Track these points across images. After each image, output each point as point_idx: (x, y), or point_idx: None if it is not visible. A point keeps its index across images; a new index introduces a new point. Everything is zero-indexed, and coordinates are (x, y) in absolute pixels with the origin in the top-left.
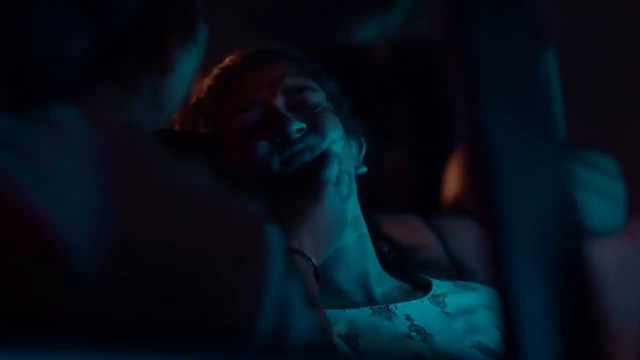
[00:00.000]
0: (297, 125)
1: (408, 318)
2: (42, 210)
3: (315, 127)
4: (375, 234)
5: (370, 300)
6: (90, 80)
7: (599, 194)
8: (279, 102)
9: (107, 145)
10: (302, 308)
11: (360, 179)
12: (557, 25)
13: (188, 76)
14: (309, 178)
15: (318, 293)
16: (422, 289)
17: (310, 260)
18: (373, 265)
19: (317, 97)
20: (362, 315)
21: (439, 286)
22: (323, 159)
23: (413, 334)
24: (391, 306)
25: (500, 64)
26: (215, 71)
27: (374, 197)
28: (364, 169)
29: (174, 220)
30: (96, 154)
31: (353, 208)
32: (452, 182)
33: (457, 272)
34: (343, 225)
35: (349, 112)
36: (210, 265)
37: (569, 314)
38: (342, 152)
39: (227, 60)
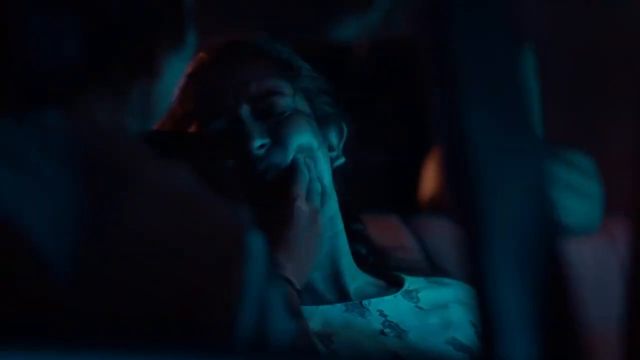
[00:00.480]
0: (258, 142)
1: (382, 314)
2: (24, 214)
3: (279, 139)
4: (355, 235)
5: (343, 296)
6: (79, 84)
7: (575, 192)
8: (244, 111)
9: (93, 148)
10: (282, 314)
11: (338, 176)
12: (535, 23)
13: (175, 82)
14: (278, 195)
15: (301, 313)
16: (395, 285)
17: (292, 284)
18: (347, 262)
19: (284, 101)
20: (336, 312)
21: (411, 282)
22: (290, 173)
23: (387, 330)
24: (364, 302)
25: (478, 62)
26: (187, 69)
27: (352, 195)
28: (341, 160)
29: (157, 222)
30: (82, 157)
31: (329, 208)
32: (430, 180)
33: (433, 270)
34: (319, 238)
35: (328, 101)
36: (191, 266)
37: (546, 312)
38: (313, 155)
39: (197, 58)
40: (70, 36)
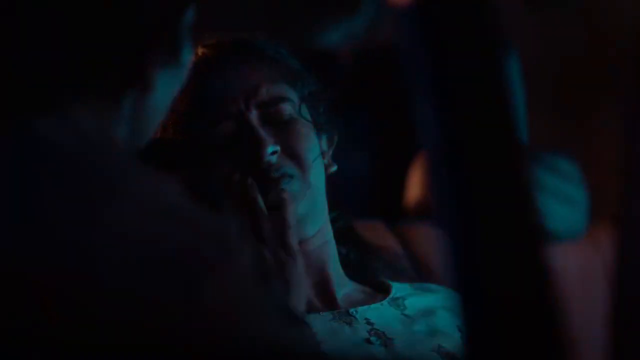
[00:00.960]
0: (271, 148)
1: (368, 322)
2: (9, 222)
3: (290, 150)
4: (340, 237)
5: (331, 304)
6: (69, 92)
7: (560, 198)
8: (253, 116)
9: (79, 157)
10: (280, 319)
11: (330, 183)
12: (520, 30)
13: (169, 96)
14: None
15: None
16: (381, 292)
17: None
18: (335, 269)
19: (291, 107)
20: (322, 320)
21: (398, 289)
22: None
23: (373, 338)
24: (351, 310)
25: (463, 68)
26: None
27: (337, 201)
28: (334, 168)
29: (141, 233)
30: (67, 166)
31: (321, 218)
32: (415, 186)
33: (419, 275)
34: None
35: (326, 109)
36: (177, 277)
37: (531, 318)
38: (317, 171)
39: (200, 52)
40: (61, 45)
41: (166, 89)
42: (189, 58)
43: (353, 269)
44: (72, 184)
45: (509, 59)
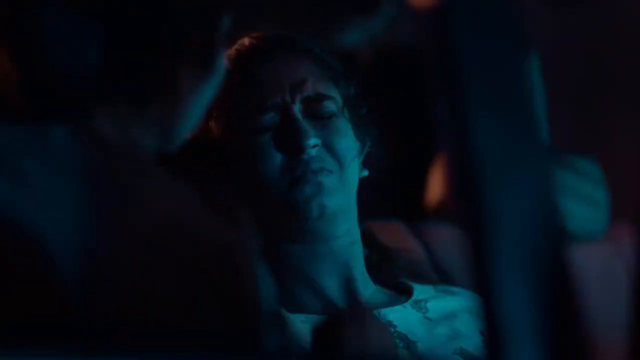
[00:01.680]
0: (313, 141)
1: (391, 324)
2: (26, 226)
3: (331, 146)
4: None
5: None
6: (97, 96)
7: (581, 199)
8: (297, 108)
9: (100, 163)
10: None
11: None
12: (540, 29)
13: (201, 105)
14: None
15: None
16: (404, 294)
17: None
18: (360, 271)
19: (333, 105)
20: None
21: (420, 291)
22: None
23: (396, 340)
24: (374, 312)
25: (484, 68)
26: (231, 53)
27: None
28: (365, 173)
29: (157, 239)
30: (88, 171)
31: (351, 218)
32: (436, 187)
33: (440, 277)
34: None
35: (365, 115)
36: (189, 289)
37: (552, 320)
38: (353, 170)
39: (243, 43)
40: (92, 49)
41: (199, 99)
42: (223, 65)
43: (375, 272)
44: (88, 191)
45: (530, 59)
